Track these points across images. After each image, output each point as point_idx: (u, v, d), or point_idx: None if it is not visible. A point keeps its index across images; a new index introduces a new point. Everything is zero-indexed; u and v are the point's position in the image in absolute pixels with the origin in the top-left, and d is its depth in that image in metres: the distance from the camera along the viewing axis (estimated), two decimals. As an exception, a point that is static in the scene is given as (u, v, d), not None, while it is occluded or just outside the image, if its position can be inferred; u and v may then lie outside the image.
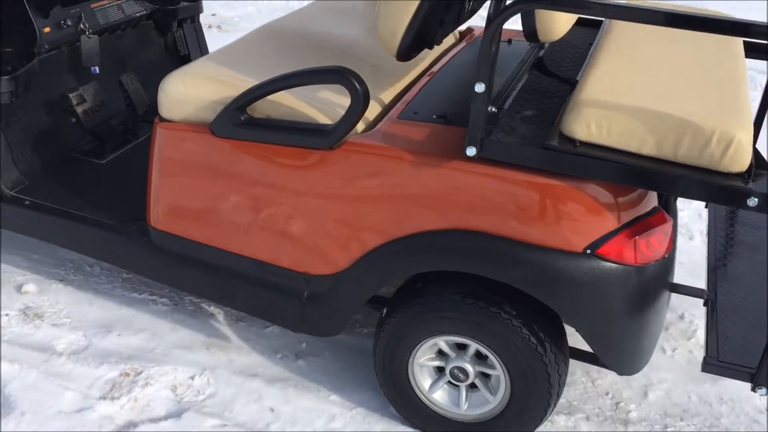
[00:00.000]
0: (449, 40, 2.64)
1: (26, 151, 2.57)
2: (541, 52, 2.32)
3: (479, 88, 1.69)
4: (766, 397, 2.39)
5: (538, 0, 1.62)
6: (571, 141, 1.75)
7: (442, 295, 1.97)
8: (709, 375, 2.41)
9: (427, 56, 2.44)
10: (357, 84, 1.84)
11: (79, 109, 2.67)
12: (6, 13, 2.49)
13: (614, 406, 2.32)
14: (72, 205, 2.40)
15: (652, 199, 1.90)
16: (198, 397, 2.20)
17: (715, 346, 1.91)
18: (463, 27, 2.81)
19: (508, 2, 1.65)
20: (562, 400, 2.32)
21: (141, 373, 2.24)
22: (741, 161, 1.65)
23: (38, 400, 2.10)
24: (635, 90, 1.79)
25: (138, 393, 2.17)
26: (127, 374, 2.24)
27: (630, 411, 2.30)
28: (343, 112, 1.93)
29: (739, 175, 1.67)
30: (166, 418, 2.10)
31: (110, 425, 2.06)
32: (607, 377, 2.42)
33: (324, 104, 2.02)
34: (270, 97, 1.99)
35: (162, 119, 2.13)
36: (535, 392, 1.97)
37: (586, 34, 2.46)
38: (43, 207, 2.40)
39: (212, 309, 2.55)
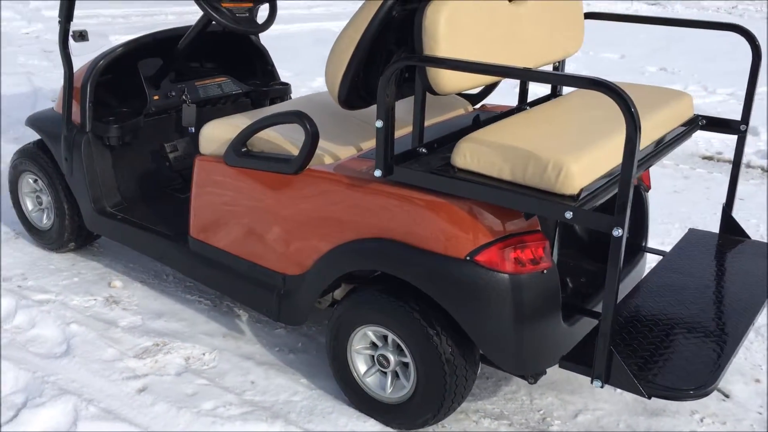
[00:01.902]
0: (459, 111, 3.21)
1: (129, 183, 3.47)
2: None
3: (378, 124, 2.26)
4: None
5: (410, 59, 2.19)
6: (453, 168, 2.26)
7: (368, 291, 2.48)
8: (647, 409, 2.66)
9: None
10: (308, 125, 2.49)
11: (171, 156, 3.56)
12: (128, 82, 3.46)
13: (541, 420, 2.63)
14: (148, 221, 3.23)
15: (531, 222, 2.31)
16: (202, 366, 2.84)
17: (575, 352, 2.25)
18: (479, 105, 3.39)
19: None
20: (495, 410, 2.67)
21: (167, 345, 2.95)
22: (571, 185, 2.06)
23: (88, 350, 2.87)
24: (512, 134, 2.25)
25: (160, 357, 2.87)
26: (158, 345, 2.95)
27: (552, 426, 2.60)
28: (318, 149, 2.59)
29: (570, 197, 2.07)
30: (170, 374, 2.77)
31: (129, 372, 2.76)
32: (547, 399, 2.73)
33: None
34: (265, 136, 2.69)
35: (200, 154, 2.90)
36: (433, 379, 2.39)
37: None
38: (127, 220, 3.26)
39: (240, 311, 3.22)
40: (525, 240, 2.27)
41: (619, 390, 2.78)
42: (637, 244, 3.01)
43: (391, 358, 2.51)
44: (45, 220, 3.63)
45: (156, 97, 3.48)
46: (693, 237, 3.02)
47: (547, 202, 2.06)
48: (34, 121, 3.56)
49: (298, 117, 2.52)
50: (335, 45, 2.42)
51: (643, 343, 2.27)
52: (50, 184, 3.49)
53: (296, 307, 2.69)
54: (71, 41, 3.32)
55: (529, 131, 2.27)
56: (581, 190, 2.07)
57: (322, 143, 2.67)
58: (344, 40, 2.39)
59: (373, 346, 2.57)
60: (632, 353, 2.21)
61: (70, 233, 3.54)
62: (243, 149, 2.71)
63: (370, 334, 2.54)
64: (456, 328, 2.37)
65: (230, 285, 2.89)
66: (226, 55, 3.88)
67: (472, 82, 2.40)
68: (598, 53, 9.81)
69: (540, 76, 2.01)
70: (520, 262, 2.25)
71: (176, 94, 3.55)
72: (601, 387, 2.11)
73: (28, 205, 3.69)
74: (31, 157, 3.53)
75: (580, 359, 2.21)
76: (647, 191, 3.01)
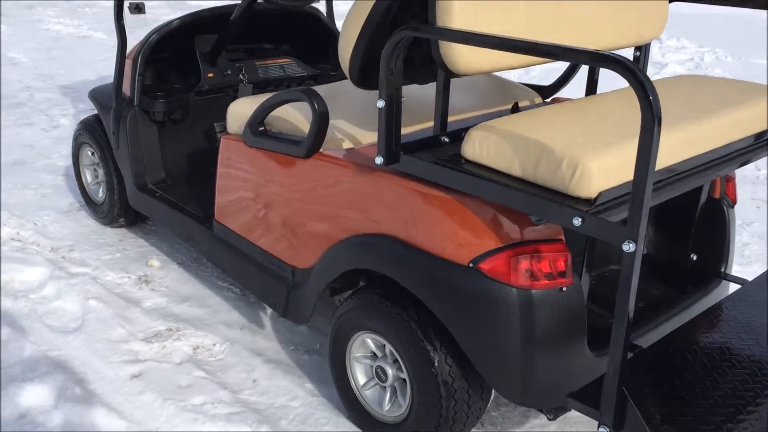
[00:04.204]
0: (524, 103, 2.85)
1: (176, 161, 3.37)
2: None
3: (380, 104, 1.97)
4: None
5: (411, 29, 1.87)
6: (461, 160, 1.93)
7: (366, 294, 2.20)
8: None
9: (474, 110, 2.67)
10: (316, 103, 2.24)
11: (220, 136, 3.42)
12: (184, 58, 3.35)
13: (565, 463, 2.24)
14: (183, 201, 3.10)
15: (553, 229, 1.94)
16: (209, 358, 2.67)
17: (589, 387, 1.87)
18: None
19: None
20: (516, 442, 2.31)
21: (180, 331, 2.80)
22: (588, 187, 1.69)
23: (97, 328, 2.77)
24: (530, 125, 1.89)
25: (168, 343, 2.72)
26: (171, 330, 2.81)
27: (576, 471, 2.20)
28: (335, 130, 2.35)
29: (586, 201, 1.70)
30: (172, 363, 2.61)
31: (130, 355, 2.63)
32: (582, 439, 2.34)
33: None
34: (285, 115, 2.47)
35: (227, 133, 2.72)
36: (427, 402, 2.07)
37: None
38: (163, 198, 3.15)
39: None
40: (541, 250, 1.91)
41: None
42: (716, 270, 2.53)
43: (389, 371, 2.21)
44: (100, 194, 3.61)
45: (210, 75, 3.35)
46: None
47: (554, 205, 1.70)
48: (93, 94, 3.55)
49: (305, 94, 2.27)
50: (345, 19, 2.15)
51: (679, 386, 1.84)
52: (102, 158, 3.45)
53: (301, 304, 2.45)
54: (126, 13, 3.25)
55: (551, 124, 1.90)
56: (600, 194, 1.69)
57: (354, 129, 2.41)
58: (353, 14, 2.12)
59: (373, 356, 2.28)
60: (659, 398, 1.79)
61: (119, 208, 3.49)
62: (260, 128, 2.51)
63: (369, 342, 2.25)
64: (459, 346, 2.04)
65: (246, 274, 2.70)
66: (294, 36, 3.70)
67: (492, 63, 2.05)
68: (749, 58, 8.88)
69: (544, 49, 1.64)
70: (533, 275, 1.89)
71: (233, 73, 3.40)
72: (608, 436, 1.72)
73: (88, 177, 3.69)
74: (89, 130, 3.51)
75: (588, 398, 1.82)
76: (732, 207, 2.52)
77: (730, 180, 2.51)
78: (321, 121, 2.25)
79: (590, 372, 2.01)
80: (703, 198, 2.50)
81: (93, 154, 3.57)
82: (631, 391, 1.71)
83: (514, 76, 6.64)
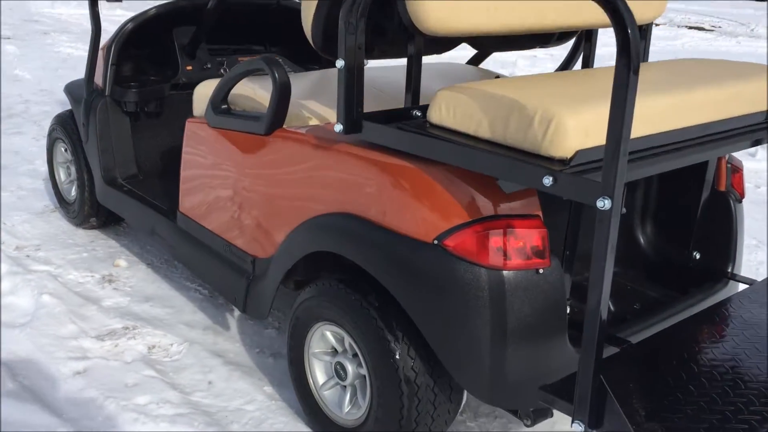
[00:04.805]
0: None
1: (150, 156, 3.19)
2: None
3: (339, 63, 1.78)
4: None
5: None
6: (427, 125, 1.73)
7: (325, 281, 1.98)
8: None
9: None
10: (277, 73, 2.05)
11: (195, 128, 3.24)
12: (162, 49, 3.20)
13: (547, 480, 1.98)
14: (150, 195, 2.91)
15: (529, 203, 1.72)
16: (164, 358, 2.45)
17: (564, 381, 1.63)
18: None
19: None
20: (493, 457, 2.06)
21: (137, 330, 2.58)
22: (563, 145, 1.48)
23: (47, 324, 2.55)
24: (504, 87, 1.68)
25: (122, 342, 2.50)
26: (127, 328, 2.59)
27: (559, 488, 1.94)
28: (304, 110, 2.16)
29: (560, 161, 1.48)
30: (122, 361, 2.39)
31: (78, 352, 2.41)
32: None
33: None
34: (250, 93, 2.29)
35: (192, 117, 2.54)
36: (387, 401, 1.83)
37: None
38: (130, 192, 2.96)
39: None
40: (515, 225, 1.68)
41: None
42: (721, 270, 2.28)
43: (349, 368, 1.98)
44: (72, 193, 3.43)
45: (189, 68, 3.19)
46: None
47: (522, 164, 1.48)
48: (69, 87, 3.40)
49: (265, 62, 2.09)
50: None
51: (671, 383, 1.59)
52: (74, 153, 3.29)
53: (260, 297, 2.23)
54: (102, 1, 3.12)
55: (526, 86, 1.70)
56: (576, 154, 1.48)
57: (323, 109, 2.22)
58: None
59: (333, 352, 2.05)
60: (646, 394, 1.54)
61: (89, 207, 3.30)
62: (223, 106, 2.32)
63: (329, 335, 2.03)
64: (423, 336, 1.81)
65: (208, 268, 2.48)
66: (285, 34, 3.54)
67: (467, 22, 1.84)
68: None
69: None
70: (506, 254, 1.66)
71: (213, 67, 3.24)
72: (583, 429, 1.47)
73: (61, 175, 3.52)
74: (62, 125, 3.36)
75: (563, 391, 1.58)
76: (740, 201, 2.28)
77: (737, 171, 2.28)
78: (282, 92, 2.07)
79: (571, 369, 1.77)
80: (707, 190, 2.26)
81: (66, 150, 3.40)
82: (613, 386, 1.47)
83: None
